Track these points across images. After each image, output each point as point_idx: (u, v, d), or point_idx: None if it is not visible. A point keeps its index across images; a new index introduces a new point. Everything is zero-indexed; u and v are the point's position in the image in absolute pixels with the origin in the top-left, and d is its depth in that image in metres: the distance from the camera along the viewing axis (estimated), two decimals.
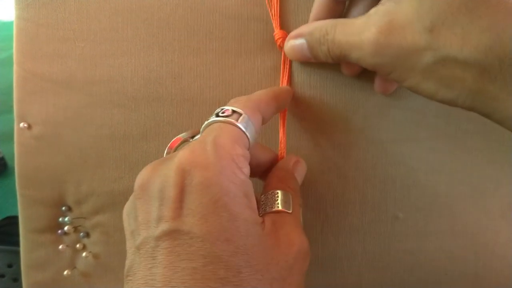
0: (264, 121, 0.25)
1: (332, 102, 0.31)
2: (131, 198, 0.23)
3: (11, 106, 0.32)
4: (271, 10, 0.30)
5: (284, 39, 0.29)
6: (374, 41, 0.22)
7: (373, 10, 0.23)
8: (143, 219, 0.21)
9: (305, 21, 0.30)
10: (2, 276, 0.55)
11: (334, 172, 0.31)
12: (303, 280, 0.22)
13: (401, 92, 0.30)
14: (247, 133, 0.23)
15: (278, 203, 0.23)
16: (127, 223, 0.22)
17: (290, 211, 0.23)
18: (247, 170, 0.22)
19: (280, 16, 0.30)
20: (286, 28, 0.30)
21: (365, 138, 0.31)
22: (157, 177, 0.22)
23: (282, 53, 0.30)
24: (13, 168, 0.33)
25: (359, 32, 0.23)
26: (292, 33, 0.28)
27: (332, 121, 0.31)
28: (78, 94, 0.30)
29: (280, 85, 0.30)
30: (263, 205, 0.24)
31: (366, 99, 0.30)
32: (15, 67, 0.31)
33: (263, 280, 0.20)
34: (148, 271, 0.20)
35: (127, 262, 0.21)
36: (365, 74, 0.30)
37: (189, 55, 0.30)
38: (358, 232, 0.32)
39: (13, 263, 0.55)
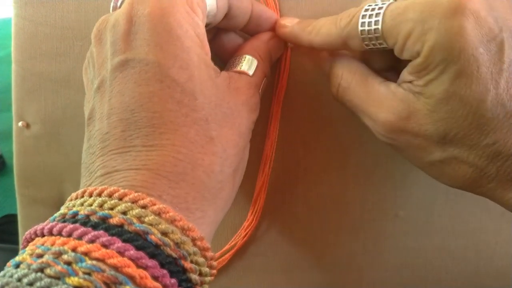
0: None
1: (332, 100, 0.30)
2: (88, 51, 0.24)
3: (10, 104, 0.32)
4: (266, 3, 0.30)
5: None
6: (390, 125, 0.23)
7: (393, 87, 0.23)
8: (99, 61, 0.22)
9: (307, 17, 0.30)
10: None
11: (334, 170, 0.31)
12: (249, 131, 0.24)
13: None
14: None
15: (241, 65, 0.25)
16: (86, 76, 0.23)
17: (251, 74, 0.25)
18: (202, 16, 0.23)
19: (280, 11, 0.30)
20: None
21: (366, 135, 0.31)
22: (109, 19, 0.22)
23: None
24: (12, 167, 0.33)
25: (377, 105, 0.23)
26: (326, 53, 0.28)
27: (332, 119, 0.31)
28: (77, 93, 0.30)
29: (280, 85, 0.30)
30: (228, 66, 0.26)
31: None
32: (13, 65, 0.31)
33: (216, 110, 0.22)
34: (107, 104, 0.21)
35: (87, 110, 0.23)
36: None
37: None
38: (358, 230, 0.32)
39: None
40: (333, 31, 0.25)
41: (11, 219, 0.60)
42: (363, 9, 0.23)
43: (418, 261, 0.32)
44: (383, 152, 0.31)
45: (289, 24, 0.28)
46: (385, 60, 0.26)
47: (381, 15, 0.22)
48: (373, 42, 0.23)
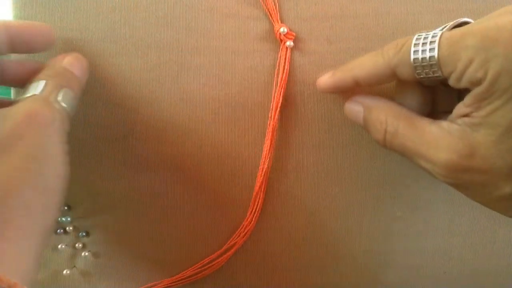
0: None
1: (331, 101, 0.31)
2: None
3: None
4: (266, 5, 0.30)
5: (285, 34, 0.29)
6: (452, 165, 0.22)
7: (446, 125, 0.22)
8: None
9: (306, 18, 0.30)
10: None
11: (333, 170, 0.31)
12: (46, 147, 0.21)
13: None
14: None
15: (27, 93, 0.23)
16: None
17: (37, 93, 0.23)
18: None
19: (280, 12, 0.30)
20: (286, 24, 0.30)
21: (364, 136, 0.31)
22: None
23: (280, 51, 0.30)
24: None
25: (433, 146, 0.22)
26: (355, 97, 0.27)
27: (331, 120, 0.31)
28: None
29: (280, 84, 0.30)
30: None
31: None
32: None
33: None
34: None
35: None
36: None
37: (188, 54, 0.30)
38: (357, 231, 0.32)
39: None
40: (380, 62, 0.24)
41: None
42: (415, 38, 0.23)
43: (416, 262, 0.32)
44: (382, 153, 0.31)
45: (328, 75, 0.27)
46: (418, 100, 0.25)
47: (436, 43, 0.21)
48: (426, 70, 0.22)
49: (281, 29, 0.29)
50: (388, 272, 0.32)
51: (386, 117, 0.25)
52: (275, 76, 0.30)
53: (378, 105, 0.26)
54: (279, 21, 0.30)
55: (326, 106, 0.31)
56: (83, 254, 0.32)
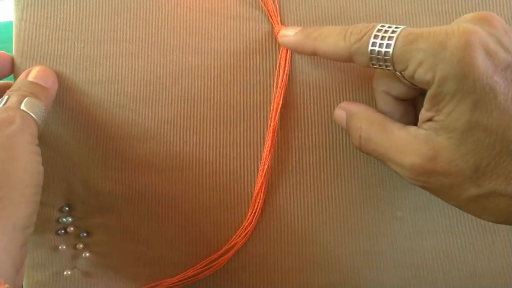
0: None
1: (332, 102, 0.31)
2: None
3: None
4: (266, 7, 0.30)
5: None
6: (418, 168, 0.22)
7: (413, 130, 0.23)
8: None
9: (306, 20, 0.30)
10: None
11: (333, 171, 0.31)
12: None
13: None
14: None
15: None
16: None
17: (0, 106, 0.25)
18: None
19: (280, 14, 0.30)
20: (287, 25, 0.30)
21: None
22: None
23: (281, 52, 0.30)
24: None
25: (401, 150, 0.23)
26: (341, 104, 0.29)
27: (331, 121, 0.31)
28: (77, 95, 0.30)
29: (280, 85, 0.30)
30: None
31: (366, 99, 0.30)
32: (14, 68, 0.31)
33: None
34: None
35: None
36: (366, 76, 0.30)
37: (189, 55, 0.30)
38: (357, 231, 0.32)
39: None
40: (341, 44, 0.25)
41: None
42: (376, 29, 0.23)
43: (415, 262, 0.32)
44: None
45: (292, 32, 0.28)
46: (399, 110, 0.26)
47: (393, 39, 0.22)
48: (380, 63, 0.23)
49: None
50: (388, 272, 0.32)
51: (361, 123, 0.26)
52: (275, 77, 0.30)
53: (357, 111, 0.27)
54: (280, 23, 0.30)
55: (327, 107, 0.31)
56: (83, 254, 0.32)
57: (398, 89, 0.26)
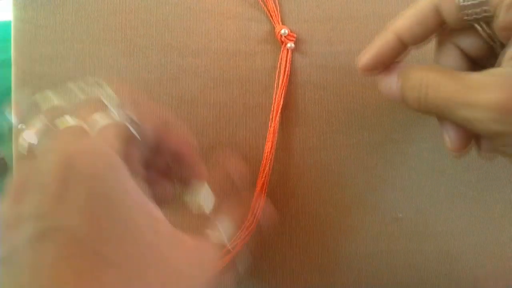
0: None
1: (331, 103, 0.31)
2: None
3: (10, 107, 0.32)
4: (267, 6, 0.30)
5: (286, 36, 0.29)
6: (501, 104, 0.19)
7: (493, 70, 0.20)
8: (9, 223, 0.17)
9: (307, 20, 0.30)
10: None
11: (334, 173, 0.31)
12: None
13: None
14: (133, 129, 0.20)
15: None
16: None
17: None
18: (137, 165, 0.20)
19: (281, 14, 0.30)
20: (287, 26, 0.30)
21: (366, 138, 0.31)
22: (31, 173, 0.18)
23: (281, 53, 0.30)
24: (12, 168, 0.33)
25: (479, 89, 0.20)
26: (387, 69, 0.25)
27: (332, 121, 0.31)
28: None
29: (281, 86, 0.30)
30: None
31: (366, 100, 0.30)
32: (13, 68, 0.31)
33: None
34: (14, 283, 0.16)
35: None
36: (366, 77, 0.30)
37: (189, 55, 0.30)
38: (358, 233, 0.32)
39: None
40: (423, 3, 0.22)
41: None
42: None
43: (417, 263, 0.32)
44: (383, 154, 0.31)
45: (366, 49, 0.25)
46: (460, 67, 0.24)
47: None
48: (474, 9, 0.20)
49: (282, 31, 0.29)
50: (389, 273, 0.32)
51: (426, 73, 0.22)
52: (276, 77, 0.30)
53: (415, 67, 0.23)
54: (280, 23, 0.30)
55: (327, 107, 0.31)
56: None
57: (472, 42, 0.23)
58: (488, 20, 0.21)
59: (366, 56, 0.24)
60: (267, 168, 0.30)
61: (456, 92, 0.20)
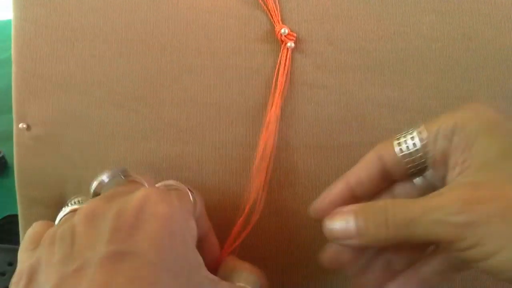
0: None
1: (331, 102, 0.31)
2: (65, 226, 0.21)
3: (10, 106, 0.32)
4: (267, 6, 0.30)
5: (286, 35, 0.29)
6: (466, 195, 0.20)
7: (447, 186, 0.21)
8: (86, 242, 0.20)
9: (307, 19, 0.30)
10: (3, 274, 0.55)
11: (333, 172, 0.31)
12: None
13: (401, 94, 0.30)
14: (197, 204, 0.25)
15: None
16: (55, 249, 0.20)
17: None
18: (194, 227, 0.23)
19: (281, 13, 0.30)
20: (287, 25, 0.30)
21: (366, 137, 0.31)
22: (112, 206, 0.21)
23: (281, 52, 0.30)
24: (13, 167, 0.33)
25: (436, 194, 0.21)
26: (335, 210, 0.25)
27: (331, 121, 0.31)
28: (78, 95, 0.30)
29: (280, 85, 0.30)
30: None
31: (366, 100, 0.30)
32: (13, 67, 0.31)
33: None
34: None
35: (25, 274, 0.21)
36: (366, 77, 0.30)
37: (189, 55, 0.30)
38: None
39: (14, 262, 0.55)
40: (371, 157, 0.25)
41: (12, 220, 0.60)
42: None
43: None
44: None
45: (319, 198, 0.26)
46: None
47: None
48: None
49: (282, 30, 0.29)
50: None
51: (387, 200, 0.24)
52: (276, 77, 0.30)
53: (370, 202, 0.24)
54: (280, 22, 0.30)
55: (327, 107, 0.31)
56: None
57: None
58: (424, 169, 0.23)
59: (318, 202, 0.26)
60: (267, 167, 0.30)
61: (420, 208, 0.21)
